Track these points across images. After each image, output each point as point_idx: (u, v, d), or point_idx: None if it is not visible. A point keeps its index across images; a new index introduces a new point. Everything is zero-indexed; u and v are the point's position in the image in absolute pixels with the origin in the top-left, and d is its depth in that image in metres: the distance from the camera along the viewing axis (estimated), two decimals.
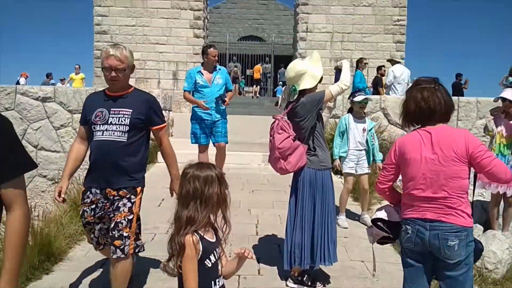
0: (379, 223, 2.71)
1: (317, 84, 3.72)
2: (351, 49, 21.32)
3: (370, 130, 5.21)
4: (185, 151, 6.02)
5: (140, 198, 3.19)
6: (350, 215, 5.36)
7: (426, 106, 2.58)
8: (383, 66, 14.41)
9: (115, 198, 3.09)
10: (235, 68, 24.41)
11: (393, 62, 12.38)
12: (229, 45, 25.46)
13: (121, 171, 3.11)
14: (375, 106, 9.36)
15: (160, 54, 21.44)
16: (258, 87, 24.37)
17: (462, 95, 13.45)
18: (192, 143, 6.45)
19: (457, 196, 2.49)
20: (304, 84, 3.62)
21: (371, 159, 5.30)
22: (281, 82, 24.29)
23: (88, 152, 3.26)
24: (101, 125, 3.16)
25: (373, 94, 12.25)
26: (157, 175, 6.46)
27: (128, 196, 3.09)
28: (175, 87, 21.43)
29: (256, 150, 7.86)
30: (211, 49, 6.32)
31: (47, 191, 7.15)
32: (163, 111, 5.57)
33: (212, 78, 6.27)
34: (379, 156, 5.30)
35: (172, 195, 3.27)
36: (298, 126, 3.58)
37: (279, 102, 16.64)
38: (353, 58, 21.27)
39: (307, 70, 3.65)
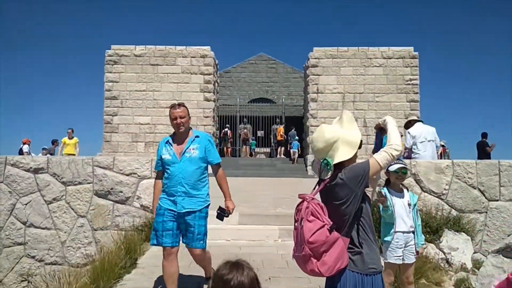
0: None
1: (356, 152, 2.78)
2: (364, 109, 20.88)
3: (415, 206, 4.14)
4: None
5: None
6: None
7: None
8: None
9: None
10: (245, 130, 24.01)
11: (411, 122, 11.59)
12: (240, 107, 25.29)
13: None
14: None
15: None
16: (283, 148, 23.84)
17: (488, 157, 12.58)
18: (151, 244, 4.39)
19: None
20: (340, 156, 2.67)
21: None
22: (295, 143, 23.79)
23: None
24: None
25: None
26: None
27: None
28: None
29: (272, 223, 6.95)
30: (172, 109, 4.45)
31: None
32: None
33: (183, 150, 4.36)
34: (421, 238, 4.14)
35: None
36: (337, 212, 2.67)
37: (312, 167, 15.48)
38: (366, 118, 20.85)
39: (339, 136, 2.71)
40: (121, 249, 5.37)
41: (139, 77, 21.49)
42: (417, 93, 20.92)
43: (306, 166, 21.06)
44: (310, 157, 20.63)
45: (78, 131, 33.35)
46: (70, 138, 16.58)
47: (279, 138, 23.55)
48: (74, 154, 16.18)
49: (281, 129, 23.71)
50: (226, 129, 23.72)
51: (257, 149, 26.30)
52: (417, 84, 20.94)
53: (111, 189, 6.37)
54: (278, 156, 23.42)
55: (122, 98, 21.29)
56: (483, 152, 12.52)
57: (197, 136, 4.51)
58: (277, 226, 6.85)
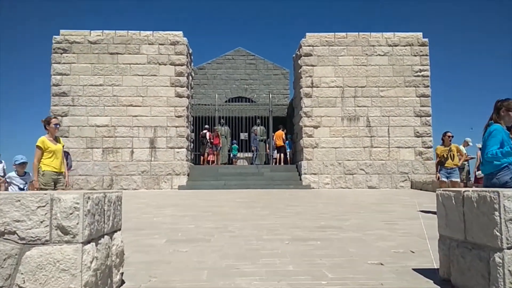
0: None
1: None
2: (366, 105, 17.64)
3: None
4: None
5: None
6: None
7: None
8: None
9: None
10: (216, 131, 19.69)
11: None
12: (218, 107, 21.63)
13: None
14: None
15: (134, 118, 17.33)
16: (282, 155, 19.90)
17: None
18: None
19: None
20: None
21: None
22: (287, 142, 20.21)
23: None
24: None
25: None
26: None
27: None
28: (153, 157, 17.09)
29: None
30: None
31: None
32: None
33: None
34: None
35: None
36: None
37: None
38: (370, 116, 17.63)
39: None
40: None
41: (94, 69, 17.56)
42: (427, 86, 17.84)
43: (300, 175, 17.61)
44: (305, 164, 17.19)
45: (18, 136, 27.07)
46: None
47: (279, 143, 19.82)
48: None
49: (281, 133, 19.92)
50: (204, 131, 19.84)
51: (239, 154, 22.58)
52: (427, 76, 17.87)
53: None
54: (277, 164, 19.60)
55: (74, 95, 17.30)
56: None
57: None
58: None
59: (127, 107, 17.43)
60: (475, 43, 58.81)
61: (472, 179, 12.29)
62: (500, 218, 2.78)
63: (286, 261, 4.40)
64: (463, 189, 3.33)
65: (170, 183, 16.88)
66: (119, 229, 3.80)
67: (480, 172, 11.96)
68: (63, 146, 7.13)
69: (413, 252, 4.87)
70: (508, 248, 2.75)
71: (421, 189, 16.20)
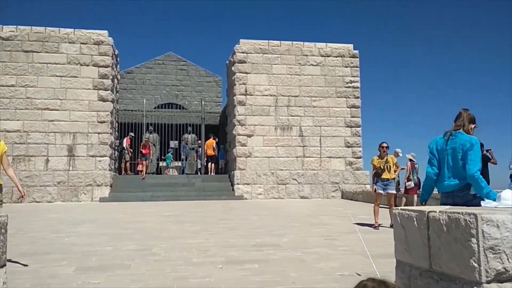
0: None
1: None
2: (299, 115, 17.52)
3: None
4: None
5: None
6: None
7: None
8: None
9: None
10: (145, 139, 18.33)
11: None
12: (146, 113, 20.40)
13: None
14: None
15: (50, 123, 15.70)
16: (213, 164, 18.82)
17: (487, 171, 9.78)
18: None
19: None
20: None
21: None
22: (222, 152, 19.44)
23: None
24: None
25: None
26: None
27: None
28: (71, 166, 15.57)
29: None
30: None
31: None
32: None
33: None
34: None
35: None
36: None
37: None
38: (303, 126, 17.53)
39: None
40: None
41: (6, 68, 15.72)
42: (358, 97, 18.14)
43: (232, 185, 16.98)
44: (238, 174, 16.63)
45: None
46: None
47: (210, 152, 18.89)
48: None
49: (212, 142, 18.99)
50: (125, 138, 18.34)
51: (164, 164, 21.34)
52: (358, 87, 18.18)
53: None
54: (209, 174, 18.64)
55: None
56: (485, 166, 9.68)
57: None
58: None
59: (42, 110, 15.74)
60: (403, 55, 62.44)
61: (402, 189, 12.44)
62: (479, 246, 2.34)
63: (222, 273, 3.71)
64: (427, 208, 2.89)
65: (91, 194, 15.42)
66: (3, 265, 2.93)
67: (410, 183, 12.13)
68: (4, 152, 5.15)
69: (359, 275, 4.43)
70: (488, 282, 2.31)
71: (351, 199, 16.28)
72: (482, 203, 3.27)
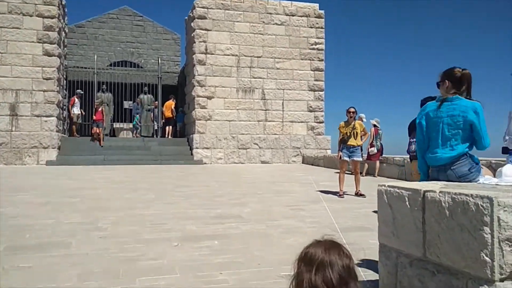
0: None
1: None
2: (262, 77, 16.86)
3: None
4: None
5: None
6: None
7: None
8: None
9: None
10: (100, 99, 17.00)
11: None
12: (98, 71, 19.00)
13: None
14: None
15: None
16: (171, 127, 17.82)
17: None
18: None
19: None
20: None
21: None
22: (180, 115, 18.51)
23: None
24: None
25: None
26: None
27: None
28: (14, 127, 14.32)
29: None
30: None
31: None
32: None
33: None
34: None
35: None
36: None
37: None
38: (265, 89, 16.93)
39: None
40: None
41: None
42: (322, 60, 17.65)
43: (191, 149, 16.31)
44: (197, 137, 15.94)
45: None
46: None
47: (168, 114, 17.92)
48: None
49: (171, 103, 17.98)
50: (73, 97, 16.85)
51: (118, 125, 20.12)
52: (322, 50, 17.65)
53: None
54: (167, 137, 17.74)
55: None
56: None
57: None
58: None
59: None
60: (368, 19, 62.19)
61: (365, 155, 12.26)
62: (493, 236, 1.90)
63: (174, 281, 3.18)
64: (423, 186, 2.43)
65: (36, 157, 14.31)
66: None
67: (373, 149, 11.94)
68: None
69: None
70: (501, 280, 1.89)
71: (312, 164, 16.10)
72: (481, 179, 2.89)
